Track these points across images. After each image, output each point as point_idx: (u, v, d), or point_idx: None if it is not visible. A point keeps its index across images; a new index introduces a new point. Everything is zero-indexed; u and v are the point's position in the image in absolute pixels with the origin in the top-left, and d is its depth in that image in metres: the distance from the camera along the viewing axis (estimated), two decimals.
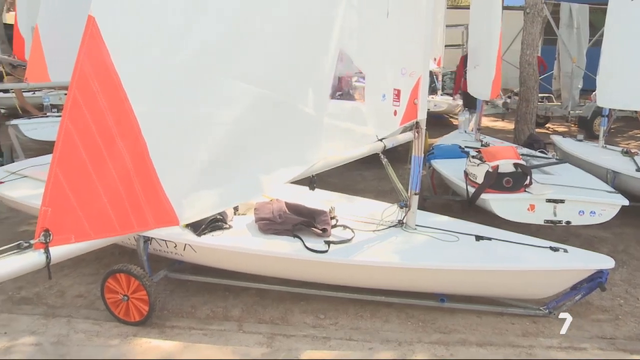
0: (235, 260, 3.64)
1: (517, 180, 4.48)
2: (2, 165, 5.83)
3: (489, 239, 3.63)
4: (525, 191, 4.50)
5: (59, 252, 1.46)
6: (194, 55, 1.91)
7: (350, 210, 4.10)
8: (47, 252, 1.42)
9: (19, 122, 7.22)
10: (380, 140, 3.25)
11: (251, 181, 2.24)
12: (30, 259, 1.40)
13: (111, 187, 1.63)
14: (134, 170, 1.68)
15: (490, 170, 4.47)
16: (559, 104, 11.69)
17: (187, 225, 3.67)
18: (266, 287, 3.75)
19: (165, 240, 3.63)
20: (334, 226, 3.77)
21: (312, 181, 2.93)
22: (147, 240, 3.61)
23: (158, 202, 1.75)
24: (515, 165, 4.49)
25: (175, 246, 3.64)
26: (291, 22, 2.39)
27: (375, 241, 3.61)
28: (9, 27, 11.83)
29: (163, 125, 1.79)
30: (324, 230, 3.63)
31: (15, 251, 1.38)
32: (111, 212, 1.63)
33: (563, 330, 3.43)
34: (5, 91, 9.34)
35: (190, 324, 3.54)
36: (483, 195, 4.49)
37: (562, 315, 3.51)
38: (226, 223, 3.77)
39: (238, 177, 2.14)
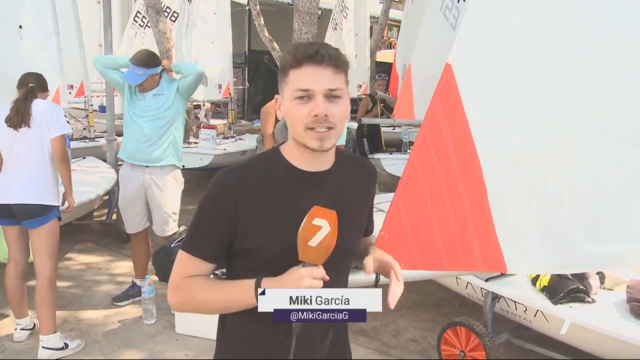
0: (595, 342, 3.19)
1: None
2: None
3: None
4: None
5: None
6: (542, 106, 1.82)
7: None
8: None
9: (381, 156, 7.33)
10: None
11: (604, 251, 1.95)
12: (361, 277, 1.53)
13: (445, 223, 1.69)
14: (470, 211, 1.71)
15: None
16: None
17: (543, 290, 3.44)
18: None
19: (515, 302, 3.47)
20: None
21: None
22: (496, 297, 3.53)
23: (489, 245, 1.73)
24: None
25: (525, 310, 3.44)
26: None
27: None
28: (379, 65, 13.44)
29: (506, 171, 1.77)
30: None
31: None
32: (441, 247, 1.69)
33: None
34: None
35: None
36: None
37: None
38: (589, 295, 3.36)
39: (586, 242, 1.90)
